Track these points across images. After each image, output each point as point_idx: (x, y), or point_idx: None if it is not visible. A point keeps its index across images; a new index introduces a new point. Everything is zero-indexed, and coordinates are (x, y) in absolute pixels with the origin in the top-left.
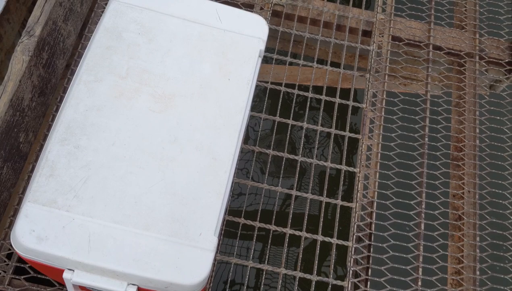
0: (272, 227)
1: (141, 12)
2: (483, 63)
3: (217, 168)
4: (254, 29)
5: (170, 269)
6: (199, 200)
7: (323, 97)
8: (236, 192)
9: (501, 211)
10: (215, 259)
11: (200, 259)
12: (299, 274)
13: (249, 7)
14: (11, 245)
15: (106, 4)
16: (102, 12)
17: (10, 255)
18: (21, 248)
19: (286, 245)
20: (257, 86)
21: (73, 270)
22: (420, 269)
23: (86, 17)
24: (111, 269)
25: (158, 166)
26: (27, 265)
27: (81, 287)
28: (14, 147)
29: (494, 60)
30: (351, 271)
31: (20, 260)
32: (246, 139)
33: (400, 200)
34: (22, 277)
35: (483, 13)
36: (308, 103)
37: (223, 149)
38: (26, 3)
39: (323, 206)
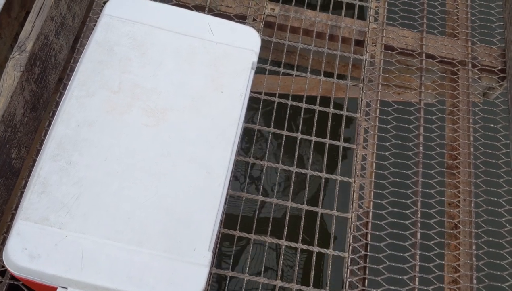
0: (268, 239)
1: (133, 26)
2: (476, 71)
3: (211, 182)
4: (246, 41)
5: (164, 285)
6: (193, 215)
7: (317, 107)
8: (231, 204)
9: (497, 219)
10: (210, 273)
11: (195, 274)
12: (295, 286)
13: (242, 18)
14: (3, 263)
15: (98, 18)
16: (94, 26)
17: (4, 272)
18: (13, 266)
19: (282, 257)
20: (250, 97)
21: (66, 288)
22: (417, 279)
23: (78, 31)
24: (104, 287)
25: (151, 181)
26: (21, 283)
27: None
28: (6, 163)
29: (487, 67)
30: (347, 282)
31: (14, 277)
32: (241, 150)
33: (396, 210)
34: None
35: (475, 21)
36: (302, 114)
37: (216, 162)
38: (18, 18)
39: (319, 216)
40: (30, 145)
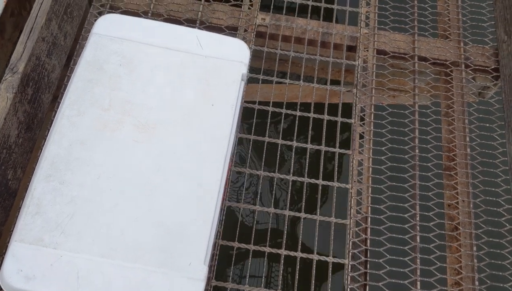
0: (267, 249)
1: (122, 43)
2: (470, 72)
3: (204, 195)
4: (236, 53)
5: None
6: (187, 229)
7: (311, 115)
8: (229, 215)
9: (496, 219)
10: (210, 285)
11: (191, 289)
12: None
13: (233, 29)
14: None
15: None
16: None
17: None
18: (9, 288)
19: (282, 266)
20: (244, 107)
21: None
22: (419, 283)
23: (71, 49)
24: None
25: (144, 197)
26: None
27: None
28: (3, 185)
29: (480, 67)
30: (348, 289)
31: None
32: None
33: (394, 214)
34: None
35: (466, 21)
36: (297, 122)
37: (209, 175)
38: (12, 38)
39: (317, 224)
40: (26, 165)
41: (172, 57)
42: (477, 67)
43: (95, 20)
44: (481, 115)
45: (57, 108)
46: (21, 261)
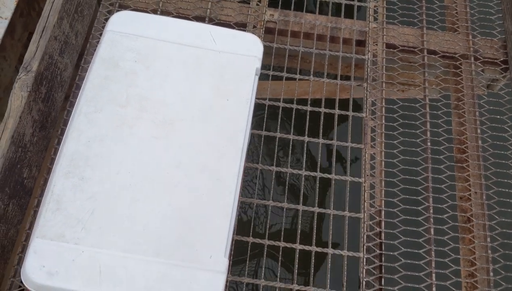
0: (282, 244)
1: (136, 40)
2: (479, 64)
3: (222, 189)
4: (249, 48)
5: None
6: (207, 223)
7: (322, 109)
8: (243, 210)
9: (509, 210)
10: (227, 280)
11: (212, 281)
12: (312, 289)
13: (242, 26)
14: (21, 282)
15: (101, 34)
16: (97, 42)
17: None
18: (32, 284)
19: (297, 260)
20: (256, 103)
21: None
22: (434, 275)
23: (81, 48)
24: None
25: (163, 192)
26: None
27: None
28: (19, 183)
29: (489, 60)
30: (364, 282)
31: None
32: (249, 157)
33: (408, 207)
34: None
35: (474, 14)
36: (308, 117)
37: (226, 169)
38: (22, 39)
39: (331, 218)
40: (41, 164)
41: (186, 53)
42: (486, 59)
43: (105, 19)
44: (491, 108)
45: (70, 107)
46: (43, 257)
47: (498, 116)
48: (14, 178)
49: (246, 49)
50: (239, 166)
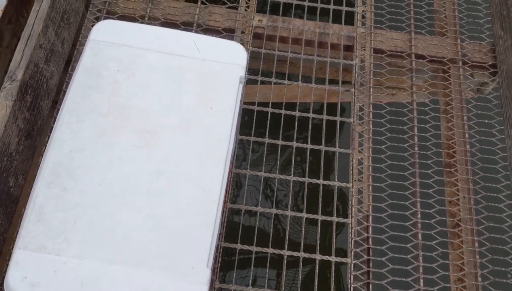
0: (270, 250)
1: (119, 48)
2: (467, 68)
3: (206, 198)
4: (233, 56)
5: None
6: (189, 233)
7: (311, 115)
8: (231, 216)
9: (497, 214)
10: (214, 288)
11: None
12: None
13: (230, 31)
14: None
15: None
16: None
17: None
18: None
19: (285, 267)
20: (244, 108)
21: None
22: (421, 280)
23: (69, 55)
24: None
25: (146, 202)
26: None
27: None
28: (5, 192)
29: (477, 64)
30: (352, 288)
31: None
32: (238, 163)
33: (396, 212)
34: None
35: (462, 18)
36: (296, 122)
37: (210, 178)
38: (10, 46)
39: (319, 224)
40: (27, 172)
41: (169, 62)
42: (474, 63)
43: (93, 26)
44: (479, 112)
45: (57, 114)
46: (25, 269)
47: (487, 121)
48: (0, 187)
49: (230, 57)
50: (223, 174)
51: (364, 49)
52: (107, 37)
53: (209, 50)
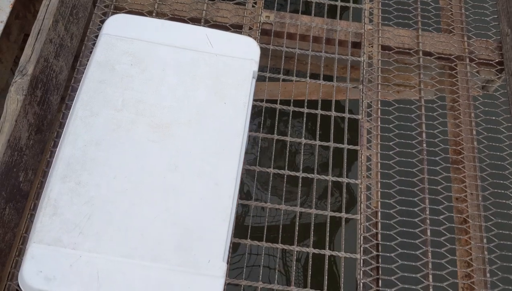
0: (279, 246)
1: (132, 43)
2: (474, 65)
3: (221, 193)
4: (246, 51)
5: None
6: (205, 227)
7: (319, 111)
8: (240, 213)
9: (505, 211)
10: (225, 283)
11: (210, 286)
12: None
13: (237, 27)
14: (18, 286)
15: (96, 36)
16: (93, 44)
17: None
18: (29, 289)
19: (294, 262)
20: (253, 105)
21: None
22: (430, 276)
23: (77, 50)
24: None
25: (161, 196)
26: None
27: None
28: (15, 187)
29: (484, 61)
30: (361, 284)
31: None
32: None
33: (404, 208)
34: None
35: (469, 15)
36: (305, 119)
37: (224, 173)
38: (17, 41)
39: (328, 220)
40: (37, 167)
41: (182, 56)
42: (481, 60)
43: (100, 21)
44: (486, 109)
45: (66, 109)
46: (41, 262)
47: (494, 118)
48: (10, 181)
49: (243, 52)
50: (237, 169)
51: (372, 46)
52: (120, 32)
53: (222, 44)
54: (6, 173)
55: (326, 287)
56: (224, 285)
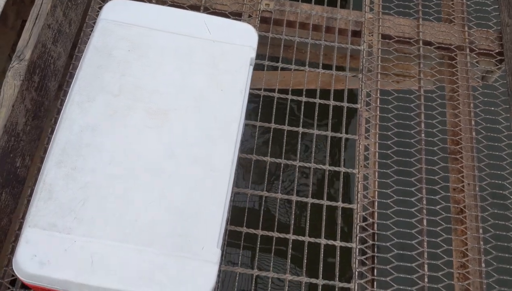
0: (275, 234)
1: (130, 29)
2: (474, 55)
3: (216, 180)
4: (244, 37)
5: (175, 284)
6: (200, 213)
7: (317, 100)
8: (237, 201)
9: (502, 201)
10: (220, 270)
11: (204, 272)
12: (305, 279)
13: (237, 15)
14: (14, 271)
15: (94, 23)
16: (91, 31)
17: (14, 281)
18: (23, 274)
19: (290, 251)
20: (250, 94)
21: None
22: (426, 266)
23: (75, 37)
24: (116, 289)
25: (156, 182)
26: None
27: None
28: (11, 172)
29: (484, 51)
30: (356, 273)
31: (24, 286)
32: (243, 148)
33: (401, 198)
34: None
35: (470, 5)
36: (303, 108)
37: (220, 160)
38: (15, 27)
39: (324, 209)
40: (34, 153)
41: (180, 42)
42: (481, 51)
43: (99, 7)
44: (486, 99)
45: (63, 96)
46: (35, 247)
47: (493, 108)
48: (7, 167)
49: (241, 39)
50: (233, 156)
51: (372, 35)
52: (118, 17)
53: (219, 31)
54: (2, 158)
55: (321, 276)
56: (219, 272)
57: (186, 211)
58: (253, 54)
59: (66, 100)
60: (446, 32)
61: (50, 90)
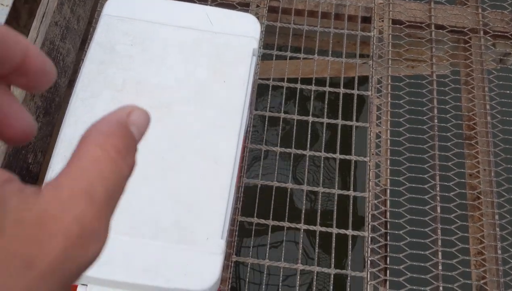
0: (286, 224)
1: (132, 23)
2: (489, 38)
3: (219, 171)
4: (246, 28)
5: (180, 276)
6: (204, 205)
7: (327, 88)
8: (247, 191)
9: None
10: (231, 261)
11: (209, 263)
12: (316, 268)
13: (245, 5)
14: None
15: None
16: None
17: None
18: None
19: (301, 240)
20: (259, 84)
21: (86, 285)
22: (440, 253)
23: (84, 33)
24: (122, 281)
25: (160, 174)
26: None
27: None
28: (24, 169)
29: (499, 33)
30: (369, 261)
31: None
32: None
33: (414, 185)
34: None
35: None
36: (312, 96)
37: (223, 151)
38: (27, 25)
39: (336, 198)
40: (46, 149)
41: (182, 35)
42: (496, 33)
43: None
44: (501, 83)
45: None
46: None
47: (508, 92)
48: (19, 163)
49: (244, 30)
50: (237, 147)
51: (382, 20)
52: (120, 12)
53: (222, 22)
54: (14, 154)
55: (333, 265)
56: (231, 262)
57: (190, 203)
58: (255, 44)
59: (71, 97)
60: (459, 15)
61: (60, 86)
